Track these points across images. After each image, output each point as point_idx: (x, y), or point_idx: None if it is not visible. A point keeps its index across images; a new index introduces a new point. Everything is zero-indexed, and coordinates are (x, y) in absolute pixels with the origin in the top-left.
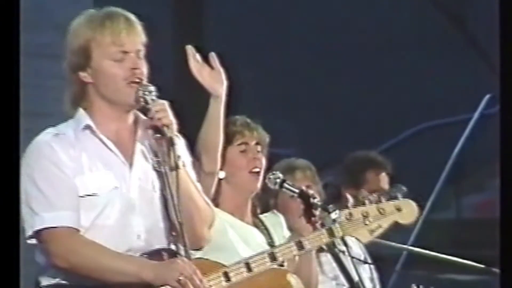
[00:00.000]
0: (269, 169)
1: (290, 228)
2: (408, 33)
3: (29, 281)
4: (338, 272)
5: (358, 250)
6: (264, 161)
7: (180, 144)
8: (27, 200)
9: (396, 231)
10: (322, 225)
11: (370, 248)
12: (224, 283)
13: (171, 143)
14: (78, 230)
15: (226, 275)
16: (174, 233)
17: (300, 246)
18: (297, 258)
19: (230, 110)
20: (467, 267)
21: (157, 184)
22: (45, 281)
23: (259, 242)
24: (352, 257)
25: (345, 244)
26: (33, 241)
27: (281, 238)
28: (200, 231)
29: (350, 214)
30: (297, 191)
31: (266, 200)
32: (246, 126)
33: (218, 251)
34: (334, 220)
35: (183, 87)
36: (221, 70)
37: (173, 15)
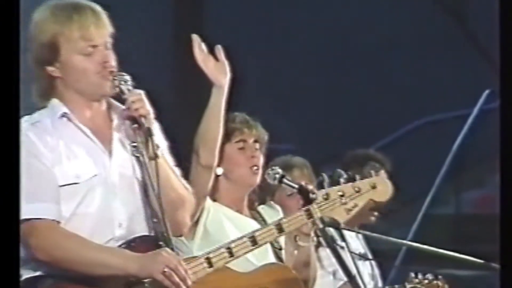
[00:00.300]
0: (267, 165)
1: None
2: (408, 29)
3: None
4: (337, 266)
5: (358, 246)
6: (262, 159)
7: (156, 129)
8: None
9: (396, 226)
10: (322, 220)
11: (369, 243)
12: (207, 269)
13: (149, 133)
14: (59, 222)
15: (208, 260)
16: (155, 220)
17: (279, 228)
18: (296, 252)
19: (231, 105)
20: (467, 263)
21: (137, 170)
22: (26, 273)
23: None
24: (351, 252)
25: (344, 239)
26: None
27: None
28: (181, 218)
29: (327, 194)
30: (296, 186)
31: (263, 197)
32: (245, 123)
33: (216, 245)
34: (311, 201)
35: (184, 86)
36: (226, 62)
37: (174, 14)
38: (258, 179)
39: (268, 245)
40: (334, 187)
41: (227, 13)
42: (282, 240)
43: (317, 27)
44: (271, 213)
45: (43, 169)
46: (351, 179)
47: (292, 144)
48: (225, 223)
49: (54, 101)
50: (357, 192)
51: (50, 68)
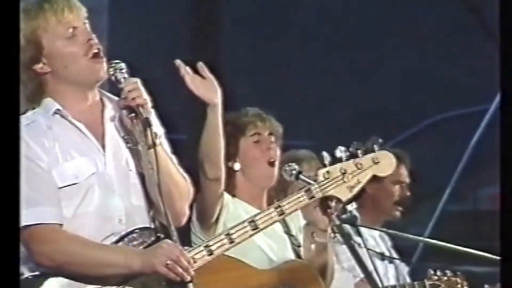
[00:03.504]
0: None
1: (306, 219)
2: (426, 24)
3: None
4: (353, 262)
5: (381, 247)
6: (278, 152)
7: (153, 117)
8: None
9: (413, 222)
10: (338, 216)
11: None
12: (207, 257)
13: (147, 123)
14: (60, 225)
15: (208, 248)
16: (153, 211)
17: (280, 211)
18: (313, 247)
19: (247, 101)
20: (484, 259)
21: (131, 162)
22: (27, 272)
23: (276, 230)
24: (368, 249)
25: (360, 235)
26: None
27: (297, 228)
28: (180, 207)
29: (328, 172)
30: (313, 182)
31: (283, 191)
32: (258, 116)
33: None
34: (313, 185)
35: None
36: (212, 78)
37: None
38: (275, 176)
39: (288, 243)
40: (335, 165)
41: (243, 10)
42: (300, 237)
43: (336, 22)
44: None
45: (41, 173)
46: (353, 156)
47: (309, 140)
48: (244, 216)
49: (47, 100)
50: (359, 168)
51: (38, 66)
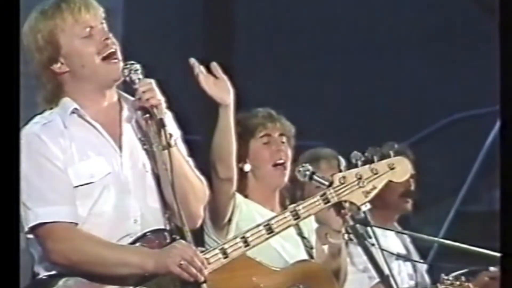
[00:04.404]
0: (295, 160)
1: (318, 221)
2: (439, 23)
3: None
4: (368, 264)
5: (397, 244)
6: (289, 152)
7: (169, 119)
8: (20, 196)
9: (428, 223)
10: (352, 217)
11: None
12: (222, 259)
13: (161, 124)
14: (76, 224)
15: (223, 251)
16: (168, 213)
17: (296, 215)
18: (326, 248)
19: (258, 102)
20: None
21: (147, 163)
22: (43, 271)
23: (289, 232)
24: (382, 250)
25: (375, 236)
26: (32, 236)
27: (310, 230)
28: (195, 209)
29: (344, 177)
30: (326, 183)
31: (293, 193)
32: (268, 117)
33: None
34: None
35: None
36: (225, 78)
37: (203, 30)
38: (285, 177)
39: (301, 243)
40: (351, 170)
41: (257, 9)
42: (312, 239)
43: (347, 21)
44: None
45: (56, 171)
46: (369, 161)
47: (321, 140)
48: (257, 218)
49: (65, 99)
50: (375, 174)
51: (56, 66)
